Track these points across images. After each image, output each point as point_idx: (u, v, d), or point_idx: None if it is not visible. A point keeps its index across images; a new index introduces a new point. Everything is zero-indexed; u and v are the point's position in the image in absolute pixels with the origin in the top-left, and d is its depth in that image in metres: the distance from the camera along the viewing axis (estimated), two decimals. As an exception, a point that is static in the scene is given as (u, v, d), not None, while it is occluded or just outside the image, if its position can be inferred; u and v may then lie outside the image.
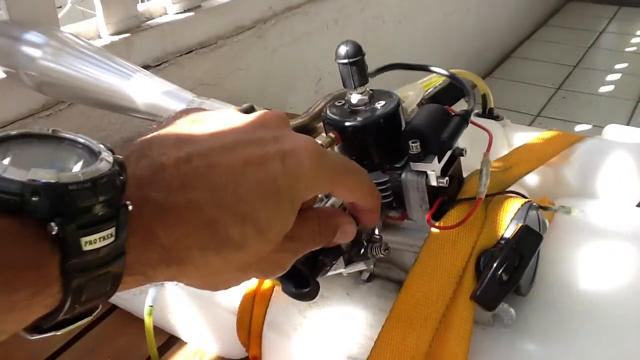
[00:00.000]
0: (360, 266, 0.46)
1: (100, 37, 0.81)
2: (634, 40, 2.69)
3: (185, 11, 0.92)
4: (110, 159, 0.25)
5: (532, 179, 0.64)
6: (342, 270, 0.45)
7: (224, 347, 0.56)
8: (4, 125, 0.69)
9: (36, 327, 0.24)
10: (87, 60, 0.61)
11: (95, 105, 0.64)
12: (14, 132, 0.25)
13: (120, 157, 0.27)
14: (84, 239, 0.23)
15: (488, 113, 0.72)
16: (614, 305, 0.48)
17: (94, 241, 0.23)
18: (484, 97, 0.72)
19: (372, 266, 0.52)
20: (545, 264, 0.50)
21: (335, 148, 0.48)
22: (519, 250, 0.42)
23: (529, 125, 1.10)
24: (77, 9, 0.93)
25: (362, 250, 0.44)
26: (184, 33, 0.91)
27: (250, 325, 0.52)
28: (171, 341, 0.58)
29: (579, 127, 1.96)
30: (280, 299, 0.51)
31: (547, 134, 0.67)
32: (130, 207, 0.25)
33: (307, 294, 0.42)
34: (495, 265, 0.41)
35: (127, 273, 0.25)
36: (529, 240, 0.43)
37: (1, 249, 0.21)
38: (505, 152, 0.64)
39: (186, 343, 0.58)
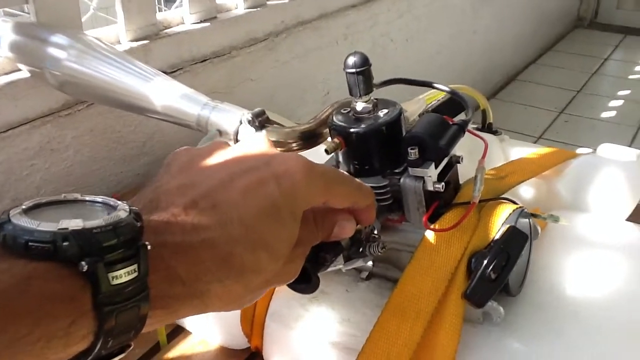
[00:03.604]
0: (359, 263, 0.48)
1: (120, 43, 0.85)
2: (638, 67, 2.73)
3: (201, 21, 0.96)
4: (127, 209, 0.29)
5: (526, 191, 0.67)
6: (341, 266, 0.47)
7: (227, 337, 0.58)
8: (26, 123, 0.73)
9: None
10: (108, 62, 0.65)
11: (115, 105, 0.67)
12: (43, 200, 0.29)
13: (136, 208, 0.30)
14: (110, 274, 0.27)
15: (487, 128, 0.76)
16: (600, 308, 0.51)
17: (120, 276, 0.27)
18: (484, 112, 0.75)
19: (371, 264, 0.55)
20: (536, 268, 0.53)
21: (340, 153, 0.51)
22: (506, 249, 0.45)
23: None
24: (101, 17, 0.97)
25: (361, 249, 0.47)
26: (200, 42, 0.95)
27: (254, 316, 0.55)
28: (177, 331, 0.61)
29: (579, 151, 1.99)
30: (283, 293, 0.54)
31: (542, 149, 0.70)
32: (149, 247, 0.28)
33: (308, 287, 0.45)
34: (484, 264, 0.44)
35: (152, 307, 0.29)
36: (515, 240, 0.46)
37: (41, 285, 0.25)
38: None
39: (191, 333, 0.61)
